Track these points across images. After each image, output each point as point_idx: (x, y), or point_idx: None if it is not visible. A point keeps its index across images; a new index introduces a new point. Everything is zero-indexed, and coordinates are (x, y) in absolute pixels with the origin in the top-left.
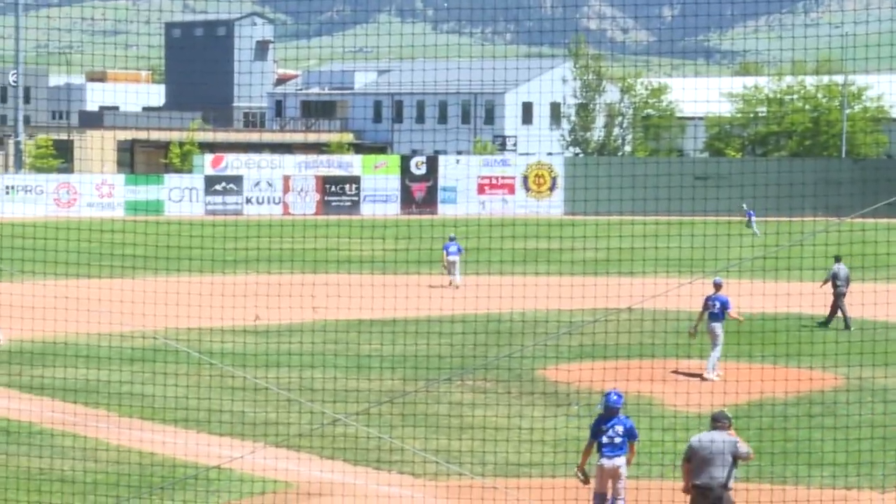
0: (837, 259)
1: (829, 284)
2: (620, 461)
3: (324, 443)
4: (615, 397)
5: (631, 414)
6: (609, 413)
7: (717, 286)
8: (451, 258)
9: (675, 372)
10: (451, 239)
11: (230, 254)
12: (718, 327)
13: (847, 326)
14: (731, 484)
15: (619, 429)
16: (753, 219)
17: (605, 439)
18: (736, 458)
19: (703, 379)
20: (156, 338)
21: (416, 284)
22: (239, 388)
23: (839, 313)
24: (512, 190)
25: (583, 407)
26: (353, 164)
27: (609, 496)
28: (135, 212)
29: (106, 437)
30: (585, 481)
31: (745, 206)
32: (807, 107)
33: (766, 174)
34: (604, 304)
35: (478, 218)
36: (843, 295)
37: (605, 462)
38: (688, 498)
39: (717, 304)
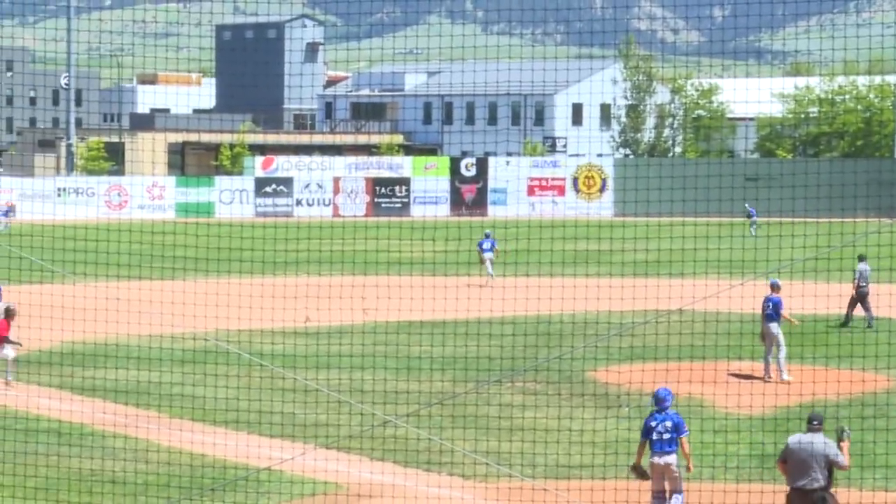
0: (861, 258)
1: (852, 285)
2: (671, 458)
3: (374, 444)
4: (664, 392)
5: (681, 415)
6: (658, 407)
7: (773, 287)
8: (485, 255)
9: (731, 374)
10: (487, 236)
11: (280, 255)
12: (774, 327)
13: (869, 325)
14: (832, 487)
15: (668, 424)
16: (755, 219)
17: (654, 436)
18: (832, 463)
19: (780, 381)
20: (206, 339)
21: (466, 285)
22: (289, 389)
23: (862, 312)
24: (562, 191)
25: (633, 408)
26: (403, 165)
27: (667, 493)
28: (185, 214)
29: (157, 439)
30: (643, 477)
31: (747, 205)
32: (859, 107)
33: (818, 175)
34: (654, 306)
35: (528, 219)
36: (867, 294)
37: (656, 459)
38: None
39: (770, 305)
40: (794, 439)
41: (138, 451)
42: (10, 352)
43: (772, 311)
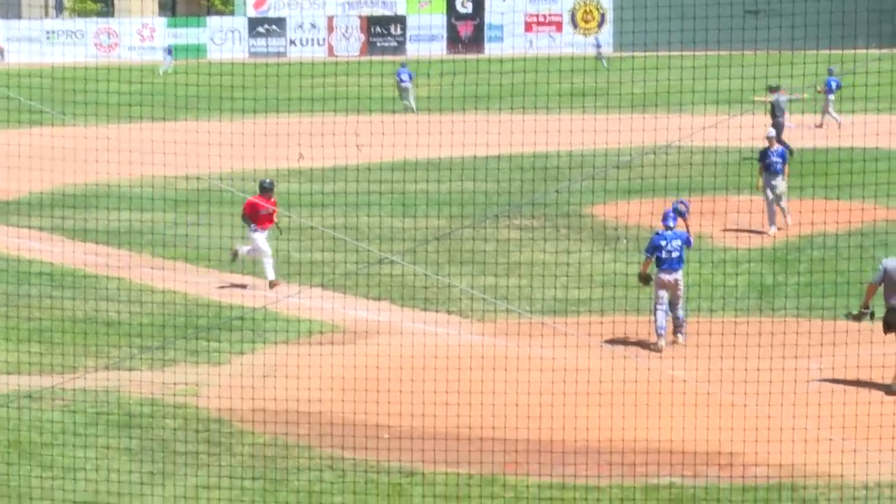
0: (775, 89)
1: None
2: (679, 275)
3: (370, 283)
4: (671, 213)
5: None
6: (666, 225)
7: (771, 140)
8: (403, 85)
9: (731, 208)
10: (403, 65)
11: (272, 93)
12: (780, 182)
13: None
14: None
15: (677, 243)
16: (601, 50)
17: (663, 254)
18: None
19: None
20: (199, 178)
21: (462, 121)
22: (283, 227)
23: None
24: (560, 27)
25: (631, 242)
26: (398, 2)
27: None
28: (177, 55)
29: (151, 281)
30: (647, 283)
31: (595, 38)
32: None
33: (818, 2)
34: (653, 140)
35: (524, 56)
36: (782, 127)
37: (665, 276)
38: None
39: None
40: (891, 262)
41: (132, 292)
42: None
43: (779, 163)
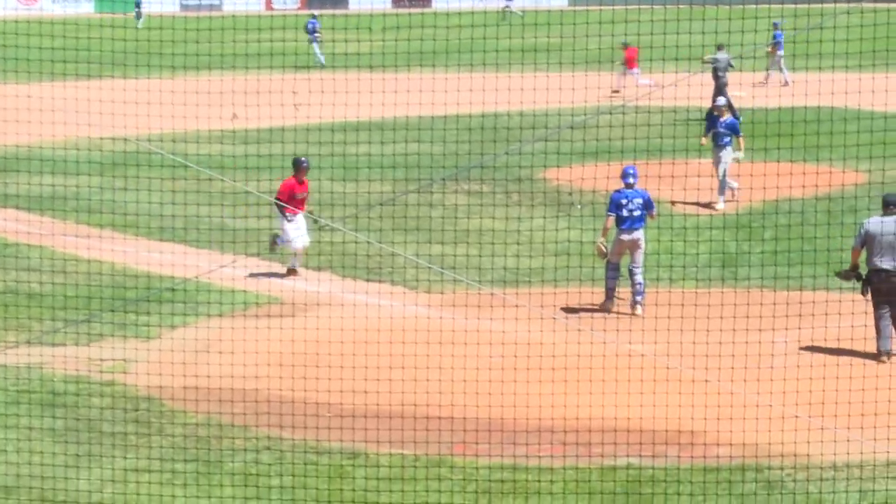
0: (719, 47)
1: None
2: (639, 234)
3: (310, 251)
4: (633, 168)
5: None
6: (626, 182)
7: (718, 108)
8: (311, 36)
9: (691, 172)
10: (313, 17)
11: (204, 50)
12: (727, 154)
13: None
14: None
15: (638, 201)
16: (510, 4)
17: (624, 213)
18: None
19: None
20: (126, 140)
21: (407, 79)
22: (217, 192)
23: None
24: None
25: (586, 206)
26: None
27: (630, 265)
28: (103, 8)
29: (76, 250)
30: (605, 255)
31: None
32: None
33: None
34: (609, 99)
35: (471, 10)
36: (726, 85)
37: (625, 236)
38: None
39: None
40: (873, 222)
41: (56, 262)
42: None
43: (727, 136)
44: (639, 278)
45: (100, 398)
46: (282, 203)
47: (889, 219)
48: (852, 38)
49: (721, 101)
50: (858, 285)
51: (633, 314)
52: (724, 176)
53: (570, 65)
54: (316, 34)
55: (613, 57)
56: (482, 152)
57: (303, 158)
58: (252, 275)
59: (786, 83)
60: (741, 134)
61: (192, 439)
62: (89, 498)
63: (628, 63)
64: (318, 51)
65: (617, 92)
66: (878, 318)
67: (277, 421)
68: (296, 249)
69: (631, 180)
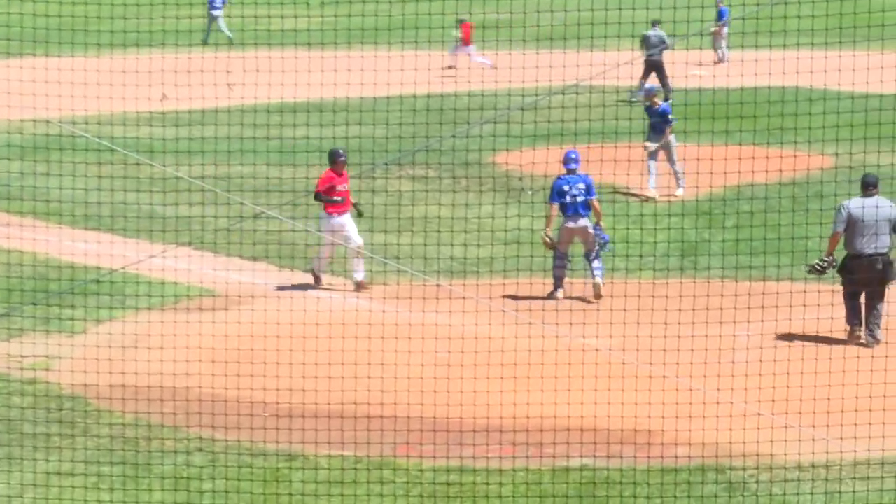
0: (654, 23)
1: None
2: (586, 221)
3: (245, 239)
4: (575, 153)
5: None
6: (568, 168)
7: (650, 94)
8: (215, 13)
9: (650, 157)
10: None
11: (132, 26)
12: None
13: (667, 98)
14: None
15: (581, 186)
16: None
17: (568, 199)
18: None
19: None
20: (49, 122)
21: (347, 57)
22: (146, 178)
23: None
24: None
25: (537, 192)
26: None
27: (585, 253)
28: None
29: None
30: (552, 245)
31: None
32: None
33: None
34: (561, 79)
35: None
36: (661, 64)
37: (571, 223)
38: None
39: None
40: (854, 205)
41: None
42: None
43: (659, 124)
44: (597, 262)
45: (21, 397)
46: (326, 198)
47: (870, 200)
48: (818, 14)
49: (649, 87)
50: (831, 275)
51: (596, 297)
52: (673, 165)
53: (520, 42)
54: (216, 8)
55: (566, 35)
56: (428, 135)
57: (339, 150)
58: (183, 265)
59: (720, 61)
60: (672, 121)
61: (120, 440)
62: (9, 503)
63: (464, 40)
64: (223, 26)
65: (452, 67)
66: (847, 297)
67: (210, 421)
68: (358, 247)
69: (573, 165)
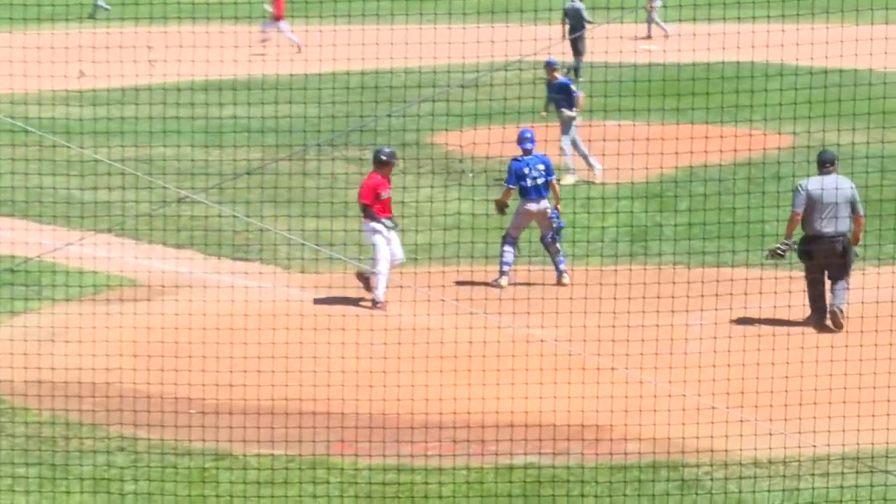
0: None
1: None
2: (546, 203)
3: (169, 226)
4: (530, 132)
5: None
6: (525, 149)
7: (552, 67)
8: None
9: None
10: None
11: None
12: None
13: (576, 73)
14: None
15: (541, 167)
16: None
17: (528, 182)
18: (854, 207)
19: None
20: None
21: (276, 32)
22: (63, 160)
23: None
24: None
25: (479, 175)
26: None
27: (542, 237)
28: None
29: None
30: (502, 212)
31: None
32: None
33: None
34: (503, 54)
35: None
36: (580, 40)
37: (532, 206)
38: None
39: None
40: (812, 184)
41: None
42: None
43: (561, 99)
44: (557, 246)
45: None
46: (373, 215)
47: (829, 179)
48: None
49: (550, 60)
50: (789, 260)
51: (561, 284)
52: (575, 145)
53: (460, 16)
54: None
55: (509, 7)
56: (363, 114)
57: (386, 148)
58: (103, 254)
59: (666, 35)
60: (577, 93)
61: (36, 440)
62: None
63: (275, 17)
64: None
65: (265, 41)
66: (810, 283)
67: (133, 419)
68: (395, 260)
69: (529, 145)
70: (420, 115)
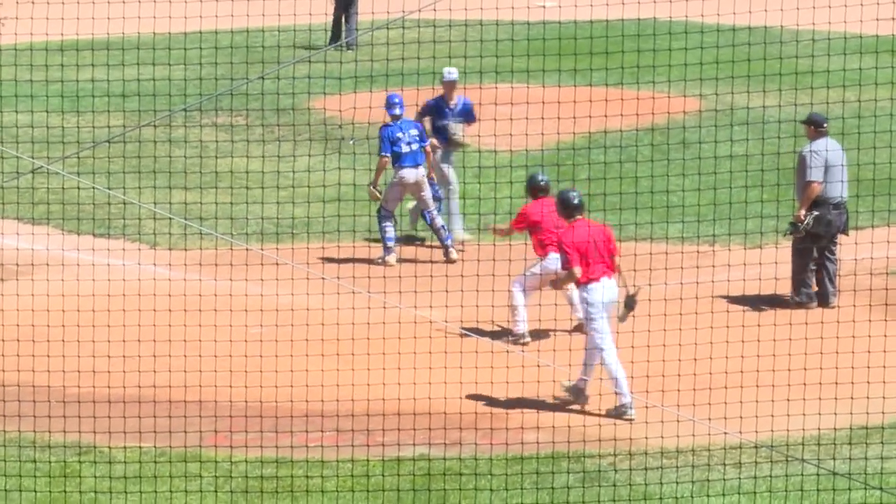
0: None
1: None
2: (423, 170)
3: (22, 199)
4: (398, 97)
5: None
6: (394, 114)
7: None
8: None
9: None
10: None
11: None
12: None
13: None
14: None
15: (414, 132)
16: None
17: (403, 148)
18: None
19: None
20: None
21: None
22: None
23: None
24: None
25: (361, 143)
26: None
27: (421, 211)
28: None
29: None
30: (378, 197)
31: None
32: None
33: None
34: (385, 12)
35: None
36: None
37: (408, 173)
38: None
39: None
40: (818, 146)
41: None
42: None
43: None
44: (439, 221)
45: None
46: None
47: (831, 141)
48: None
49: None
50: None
51: (450, 260)
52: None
53: None
54: None
55: None
56: (233, 77)
57: (540, 176)
58: None
59: None
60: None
61: None
62: None
63: None
64: None
65: None
66: (798, 254)
67: None
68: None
69: (398, 111)
70: (296, 78)
